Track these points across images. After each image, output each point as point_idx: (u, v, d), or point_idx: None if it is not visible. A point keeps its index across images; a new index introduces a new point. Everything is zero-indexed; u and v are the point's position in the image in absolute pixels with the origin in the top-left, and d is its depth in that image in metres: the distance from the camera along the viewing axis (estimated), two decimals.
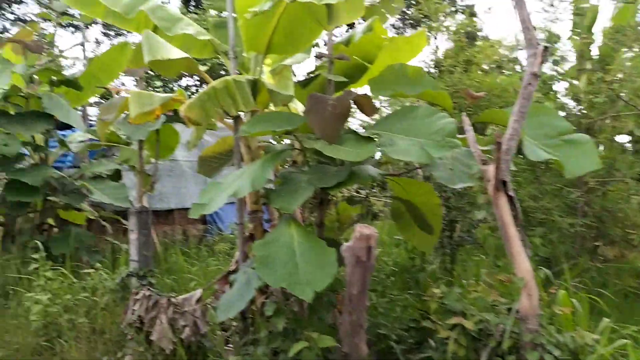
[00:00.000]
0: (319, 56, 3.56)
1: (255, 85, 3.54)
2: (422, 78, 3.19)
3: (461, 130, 2.91)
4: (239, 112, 3.41)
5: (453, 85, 5.72)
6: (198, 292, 3.68)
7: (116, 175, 6.34)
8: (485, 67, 6.98)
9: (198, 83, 19.06)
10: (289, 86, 4.01)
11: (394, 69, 3.22)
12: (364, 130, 3.33)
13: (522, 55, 8.71)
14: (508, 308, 2.63)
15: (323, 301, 2.78)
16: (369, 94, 3.24)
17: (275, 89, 3.62)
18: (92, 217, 6.93)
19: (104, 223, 6.89)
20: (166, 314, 3.50)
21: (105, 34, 21.59)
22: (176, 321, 3.50)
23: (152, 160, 5.96)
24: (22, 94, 5.84)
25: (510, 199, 2.52)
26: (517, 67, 8.12)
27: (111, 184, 5.92)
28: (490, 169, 2.52)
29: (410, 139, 2.75)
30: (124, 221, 7.25)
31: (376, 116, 3.77)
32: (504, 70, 7.94)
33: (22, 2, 21.58)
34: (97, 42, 21.96)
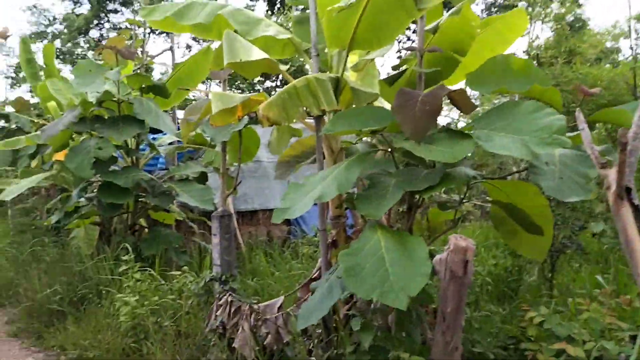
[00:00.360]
0: (409, 49, 3.30)
1: (338, 84, 3.36)
2: (529, 71, 2.85)
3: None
4: (321, 112, 3.24)
5: (554, 78, 5.23)
6: (280, 299, 3.56)
7: (203, 178, 6.43)
8: (589, 57, 6.36)
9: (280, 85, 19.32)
10: (374, 84, 3.80)
11: (496, 61, 2.91)
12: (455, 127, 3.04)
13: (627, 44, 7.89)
14: (633, 335, 2.25)
15: (411, 315, 2.54)
16: (463, 88, 2.95)
17: (359, 87, 3.42)
18: (180, 219, 7.10)
19: (191, 224, 7.02)
20: (248, 321, 3.41)
21: (195, 39, 22.43)
22: (258, 328, 3.40)
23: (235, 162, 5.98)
24: (114, 99, 6.05)
25: (636, 208, 2.14)
26: (620, 57, 7.36)
27: (197, 187, 5.99)
28: (612, 174, 2.16)
29: (511, 136, 2.44)
30: (210, 223, 7.37)
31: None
32: (605, 61, 7.23)
33: (118, 11, 22.95)
34: (188, 47, 22.88)
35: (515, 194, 3.01)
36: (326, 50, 3.51)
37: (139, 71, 6.56)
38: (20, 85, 23.03)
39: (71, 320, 5.15)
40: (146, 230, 6.63)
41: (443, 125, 3.23)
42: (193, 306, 3.98)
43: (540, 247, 3.22)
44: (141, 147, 6.72)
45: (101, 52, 6.25)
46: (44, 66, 10.87)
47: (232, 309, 3.52)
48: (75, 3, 25.14)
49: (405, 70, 3.64)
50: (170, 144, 7.09)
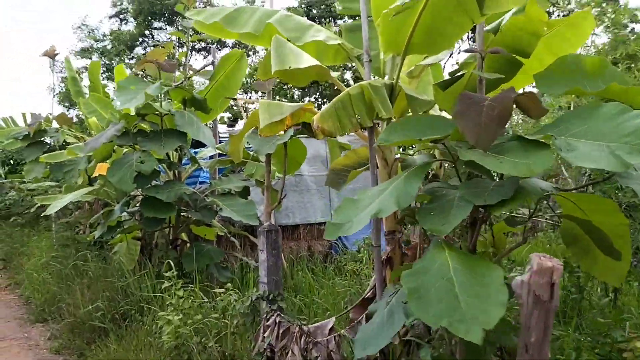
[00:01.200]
0: (469, 52, 3.08)
1: (393, 91, 3.16)
2: (604, 70, 2.59)
3: None
4: (375, 121, 3.04)
5: None
6: (331, 321, 3.34)
7: (245, 192, 6.31)
8: None
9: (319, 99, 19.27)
10: (429, 91, 3.58)
11: (567, 60, 2.65)
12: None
13: None
14: None
15: (484, 348, 2.28)
16: (532, 91, 2.70)
17: (414, 94, 3.21)
18: (221, 233, 6.99)
19: (233, 239, 6.90)
20: (298, 343, 3.20)
21: (239, 44, 22.61)
22: (309, 352, 3.19)
23: (278, 175, 5.83)
24: (156, 113, 6.00)
25: None
26: None
27: (240, 201, 5.86)
28: None
29: (596, 143, 2.18)
30: (252, 237, 7.24)
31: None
32: None
33: (163, 29, 23.44)
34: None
35: (592, 209, 2.73)
36: (381, 57, 3.32)
37: (181, 84, 6.50)
38: (61, 103, 23.66)
39: (113, 337, 5.05)
40: (187, 245, 6.53)
41: (513, 133, 2.98)
42: (238, 326, 3.80)
43: (617, 270, 2.91)
44: (183, 160, 6.66)
45: (143, 65, 6.24)
46: (90, 83, 11.09)
47: (281, 330, 3.32)
48: (121, 21, 25.83)
49: (461, 74, 3.41)
50: (211, 157, 7.01)
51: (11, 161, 16.65)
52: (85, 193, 7.17)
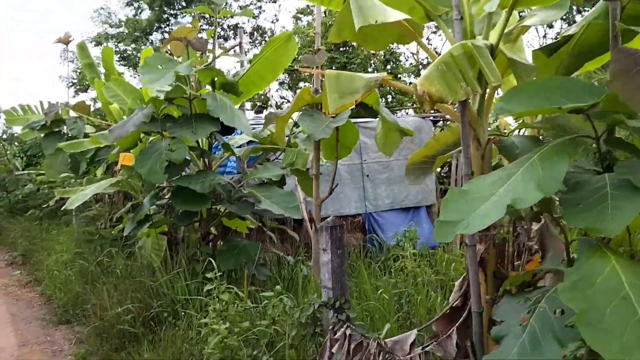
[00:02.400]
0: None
1: (492, 54, 2.57)
2: None
3: None
4: (474, 92, 2.46)
5: None
6: (411, 334, 2.79)
7: (282, 182, 5.76)
8: None
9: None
10: (523, 58, 2.98)
11: None
12: None
13: None
14: None
15: None
16: None
17: (518, 58, 2.62)
18: (252, 226, 6.48)
19: (270, 233, 6.38)
20: None
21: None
22: None
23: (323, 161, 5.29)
24: (185, 96, 5.46)
25: None
26: None
27: (280, 192, 5.32)
28: None
29: None
30: (290, 232, 6.70)
31: None
32: None
33: (177, 15, 22.92)
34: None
35: None
36: (472, 11, 2.72)
37: (211, 65, 5.95)
38: (79, 93, 23.26)
39: (145, 344, 4.56)
40: (218, 240, 6.02)
41: None
42: (296, 337, 3.27)
43: None
44: (213, 148, 6.14)
45: (169, 44, 5.69)
46: (105, 70, 10.59)
47: (352, 346, 2.78)
48: (136, 10, 25.29)
49: (569, 36, 2.80)
50: (243, 145, 6.47)
51: (28, 153, 16.30)
52: (109, 185, 6.67)
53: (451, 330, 2.68)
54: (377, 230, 8.84)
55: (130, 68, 23.55)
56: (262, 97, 18.63)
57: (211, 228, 6.15)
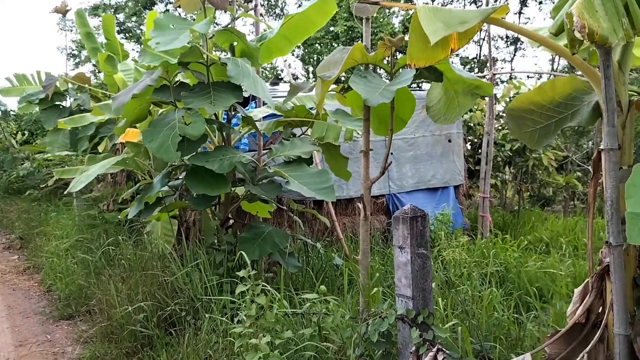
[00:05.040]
0: None
1: None
2: None
3: None
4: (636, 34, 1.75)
5: None
6: (526, 358, 2.12)
7: (309, 160, 5.08)
8: None
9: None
10: None
11: None
12: None
13: None
14: None
15: None
16: None
17: None
18: (270, 210, 5.81)
19: (295, 218, 5.71)
20: None
21: None
22: None
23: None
24: (201, 61, 4.75)
25: None
26: None
27: (310, 171, 4.62)
28: None
29: None
30: (321, 217, 6.04)
31: None
32: None
33: None
34: None
35: None
36: None
37: (229, 26, 5.21)
38: (84, 64, 22.22)
39: (160, 347, 3.92)
40: (239, 226, 5.35)
41: None
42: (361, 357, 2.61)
43: None
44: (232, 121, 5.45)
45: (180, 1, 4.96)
46: (106, 40, 9.81)
47: None
48: None
49: None
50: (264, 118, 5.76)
51: (25, 131, 15.56)
52: (113, 164, 5.97)
53: (581, 357, 2.01)
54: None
55: (132, 41, 22.54)
56: (272, 69, 17.75)
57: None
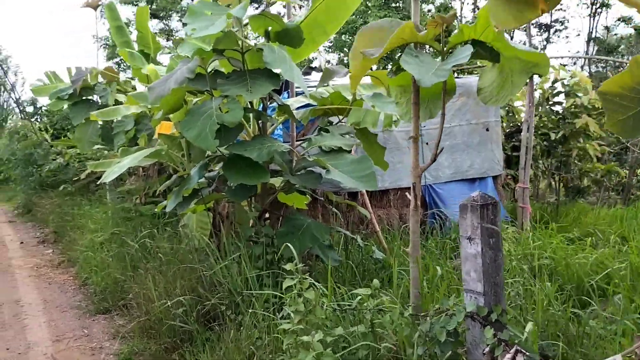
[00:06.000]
0: None
1: None
2: None
3: None
4: None
5: None
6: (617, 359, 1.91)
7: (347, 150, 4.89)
8: None
9: None
10: None
11: None
12: None
13: None
14: None
15: None
16: None
17: None
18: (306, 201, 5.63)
19: (334, 210, 5.54)
20: None
21: None
22: None
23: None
24: (236, 48, 4.59)
25: None
26: None
27: (350, 158, 4.43)
28: None
29: None
30: (360, 208, 5.86)
31: None
32: None
33: None
34: None
35: None
36: None
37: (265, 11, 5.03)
38: (115, 57, 22.25)
39: (200, 343, 3.80)
40: (276, 218, 5.20)
41: None
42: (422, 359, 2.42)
43: None
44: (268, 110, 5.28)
45: None
46: (138, 32, 9.77)
47: None
48: None
49: None
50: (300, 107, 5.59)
51: (56, 126, 15.71)
52: (146, 156, 5.87)
53: None
54: (438, 204, 7.92)
55: (163, 38, 22.52)
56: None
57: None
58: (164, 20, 22.57)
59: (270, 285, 3.96)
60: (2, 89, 19.16)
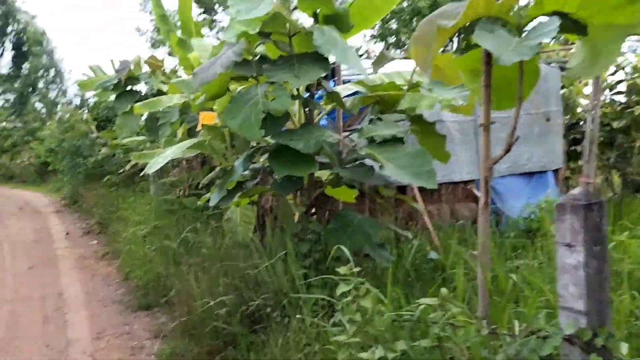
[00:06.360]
0: None
1: None
2: None
3: None
4: None
5: None
6: None
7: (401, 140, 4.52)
8: None
9: None
10: None
11: None
12: None
13: None
14: None
15: None
16: None
17: None
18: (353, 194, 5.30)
19: (385, 204, 5.20)
20: None
21: None
22: None
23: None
24: (283, 31, 4.29)
25: None
26: None
27: (406, 151, 4.07)
28: None
29: None
30: (415, 204, 5.50)
31: None
32: None
33: None
34: None
35: None
36: None
37: None
38: (159, 47, 22.39)
39: (244, 347, 3.54)
40: (324, 213, 4.90)
41: None
42: None
43: None
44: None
45: None
46: (180, 21, 9.61)
47: None
48: None
49: None
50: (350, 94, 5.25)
51: (101, 118, 15.86)
52: (189, 147, 5.68)
53: None
54: (494, 200, 7.43)
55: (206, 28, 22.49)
56: None
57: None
58: (207, 13, 22.53)
59: (319, 287, 3.67)
60: (52, 82, 19.62)
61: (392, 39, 17.38)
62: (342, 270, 2.59)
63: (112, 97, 8.96)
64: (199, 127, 6.34)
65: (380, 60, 4.62)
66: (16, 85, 20.22)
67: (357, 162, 4.25)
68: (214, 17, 22.23)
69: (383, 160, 3.97)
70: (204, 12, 22.28)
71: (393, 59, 4.60)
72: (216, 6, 22.45)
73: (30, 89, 19.74)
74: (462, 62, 3.18)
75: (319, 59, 4.11)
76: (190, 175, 8.10)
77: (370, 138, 4.20)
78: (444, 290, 2.46)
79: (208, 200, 5.01)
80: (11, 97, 21.47)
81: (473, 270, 4.48)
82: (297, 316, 3.25)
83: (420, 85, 4.67)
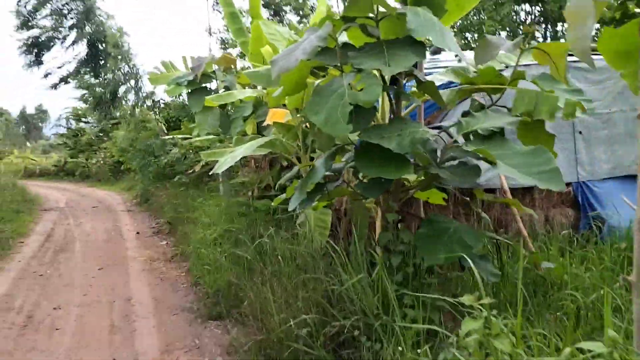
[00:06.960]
0: None
1: None
2: None
3: None
4: None
5: None
6: None
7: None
8: None
9: None
10: None
11: None
12: None
13: None
14: None
15: None
16: None
17: None
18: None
19: (478, 210, 4.59)
20: None
21: None
22: None
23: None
24: (370, 15, 3.79)
25: None
26: None
27: (519, 149, 3.46)
28: None
29: None
30: (524, 208, 4.84)
31: None
32: None
33: None
34: None
35: None
36: None
37: None
38: (230, 47, 22.43)
39: None
40: (414, 219, 4.35)
41: None
42: None
43: None
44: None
45: None
46: (251, 20, 9.33)
47: None
48: None
49: None
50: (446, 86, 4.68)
51: (169, 118, 15.99)
52: (260, 145, 5.29)
53: None
54: (593, 205, 6.61)
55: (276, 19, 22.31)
56: None
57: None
58: (276, 15, 22.39)
59: (414, 307, 3.14)
60: (128, 82, 20.04)
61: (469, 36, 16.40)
62: (466, 300, 2.05)
63: (184, 93, 8.82)
64: (266, 122, 5.97)
65: (486, 50, 3.92)
66: (97, 89, 20.83)
67: (458, 162, 3.67)
68: (283, 19, 22.05)
69: (496, 158, 3.38)
70: (273, 15, 22.14)
71: (501, 45, 3.92)
72: (285, 7, 22.26)
73: (109, 96, 20.24)
74: (613, 39, 2.51)
75: (412, 43, 3.58)
76: (259, 176, 7.77)
77: (475, 132, 3.62)
78: (612, 333, 1.86)
79: (281, 202, 4.60)
80: (90, 98, 22.10)
81: (588, 288, 3.83)
82: (398, 348, 2.73)
83: (523, 77, 4.02)
